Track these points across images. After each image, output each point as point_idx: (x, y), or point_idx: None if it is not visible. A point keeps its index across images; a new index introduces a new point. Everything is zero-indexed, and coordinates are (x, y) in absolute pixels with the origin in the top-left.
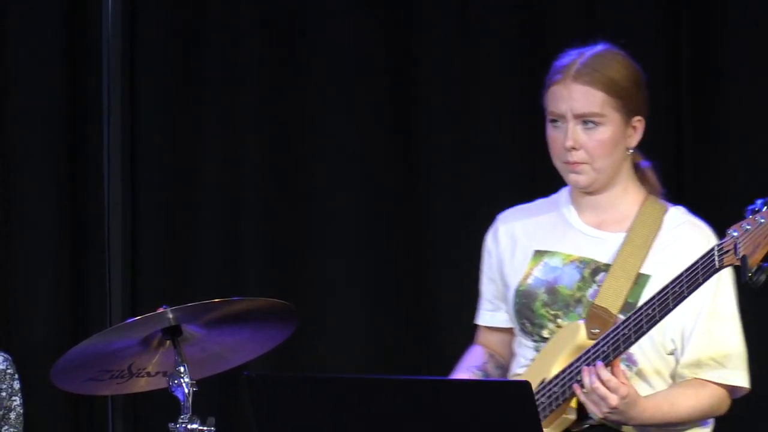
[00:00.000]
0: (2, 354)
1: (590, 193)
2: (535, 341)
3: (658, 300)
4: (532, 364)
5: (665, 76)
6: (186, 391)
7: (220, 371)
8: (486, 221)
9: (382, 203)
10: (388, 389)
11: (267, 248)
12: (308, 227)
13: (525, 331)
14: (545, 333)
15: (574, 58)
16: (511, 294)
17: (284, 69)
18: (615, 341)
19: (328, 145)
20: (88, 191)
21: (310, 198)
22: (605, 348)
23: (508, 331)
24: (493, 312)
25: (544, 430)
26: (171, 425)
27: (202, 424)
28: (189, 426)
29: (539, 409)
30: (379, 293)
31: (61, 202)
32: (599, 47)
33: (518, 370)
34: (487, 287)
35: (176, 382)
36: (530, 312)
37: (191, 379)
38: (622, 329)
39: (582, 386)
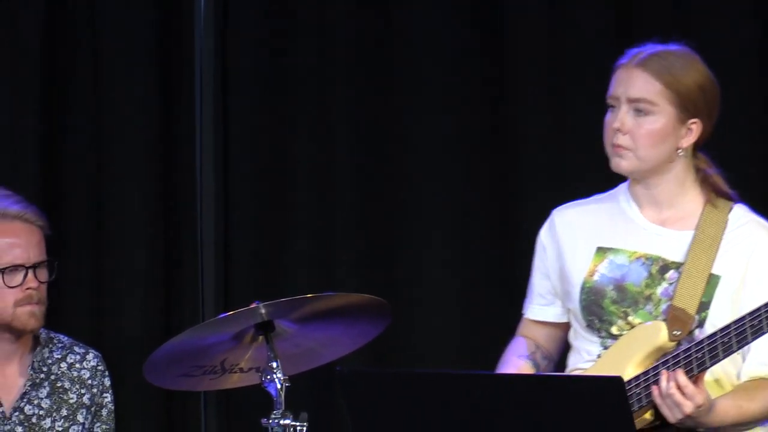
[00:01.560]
0: (93, 351)
1: (646, 188)
2: (602, 337)
3: (750, 320)
4: (601, 359)
5: None
6: (278, 386)
7: (313, 367)
8: None
9: (476, 197)
10: (480, 384)
11: (360, 243)
12: (401, 222)
13: (592, 327)
14: (614, 330)
15: (646, 48)
16: (575, 290)
17: (375, 63)
18: (707, 350)
19: (420, 139)
20: (181, 189)
21: (403, 193)
22: (693, 355)
23: (559, 326)
24: (545, 306)
25: None
26: (264, 421)
27: (295, 419)
28: (282, 422)
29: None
30: (473, 288)
31: (155, 200)
32: (675, 46)
33: (582, 365)
34: (540, 282)
35: (269, 377)
36: (599, 309)
37: (284, 374)
38: (719, 338)
39: (659, 389)
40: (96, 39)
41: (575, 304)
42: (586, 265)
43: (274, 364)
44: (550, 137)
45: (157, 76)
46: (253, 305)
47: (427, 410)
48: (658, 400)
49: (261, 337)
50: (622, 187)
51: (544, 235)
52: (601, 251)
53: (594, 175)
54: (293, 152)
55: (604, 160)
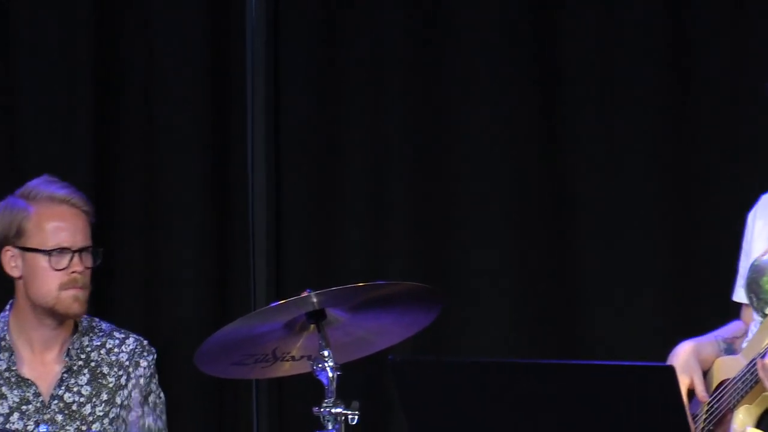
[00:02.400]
0: (133, 336)
1: None
2: (761, 317)
3: None
4: (752, 339)
5: None
6: (330, 375)
7: (364, 355)
8: (629, 203)
9: (528, 188)
10: (531, 373)
11: (412, 232)
12: (453, 211)
13: (753, 307)
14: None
15: None
16: (747, 267)
17: (427, 58)
18: None
19: (473, 129)
20: (232, 178)
21: (454, 183)
22: None
23: None
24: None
25: (745, 405)
26: (315, 409)
27: (347, 408)
28: (333, 410)
29: (744, 384)
30: (524, 278)
31: (206, 190)
32: None
33: (744, 345)
34: (743, 262)
35: (320, 366)
36: (758, 287)
37: (335, 363)
38: None
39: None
40: (148, 29)
41: (744, 281)
42: (765, 244)
43: (326, 353)
44: (600, 130)
45: (208, 66)
46: (305, 294)
47: (479, 399)
48: (761, 374)
49: (312, 326)
50: None
51: (750, 216)
52: None
53: (642, 168)
54: (345, 142)
55: (648, 148)
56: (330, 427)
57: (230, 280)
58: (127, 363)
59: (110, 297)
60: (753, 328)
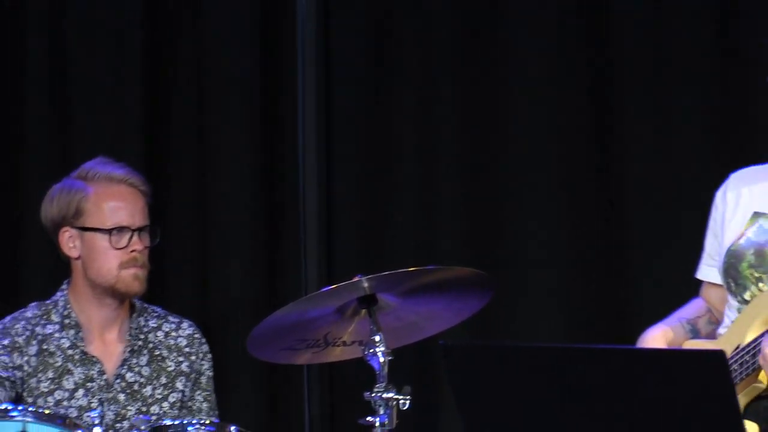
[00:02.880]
0: (187, 321)
1: None
2: (738, 302)
3: None
4: (731, 327)
5: None
6: (381, 360)
7: (416, 340)
8: (679, 193)
9: (581, 174)
10: (583, 358)
11: (464, 216)
12: (506, 195)
13: (731, 291)
14: (747, 295)
15: None
16: (723, 252)
17: (478, 45)
18: None
19: (524, 115)
20: (283, 161)
21: (505, 168)
22: None
23: None
24: (714, 267)
25: None
26: (367, 394)
27: (398, 393)
28: (384, 395)
29: (735, 375)
30: (576, 264)
31: (258, 173)
32: None
33: (721, 331)
34: (711, 242)
35: (372, 351)
36: (736, 272)
37: (387, 348)
38: None
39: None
40: (199, 18)
41: (720, 266)
42: (739, 229)
43: (377, 338)
44: (650, 118)
45: (260, 49)
46: (356, 279)
47: (529, 383)
48: (762, 364)
49: (364, 311)
50: None
51: (718, 196)
52: (755, 216)
53: (690, 154)
54: (397, 125)
55: (699, 136)
56: (381, 413)
57: (282, 266)
58: (187, 349)
59: (162, 280)
60: (729, 313)
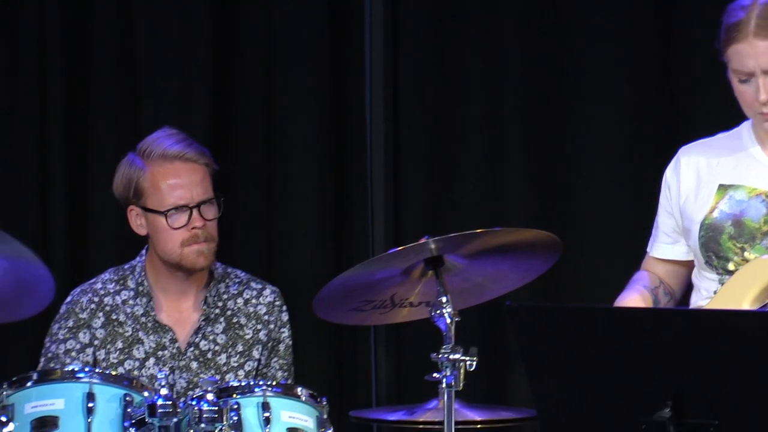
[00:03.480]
0: (270, 287)
1: None
2: (719, 274)
3: None
4: (718, 295)
5: None
6: (448, 321)
7: (482, 301)
8: None
9: (647, 134)
10: (650, 319)
11: (531, 177)
12: (572, 156)
13: (710, 264)
14: (731, 266)
15: (747, 12)
16: (695, 227)
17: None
18: None
19: (592, 73)
20: (350, 124)
21: (573, 129)
22: None
23: (683, 264)
24: (671, 245)
25: None
26: (433, 355)
27: (465, 354)
28: (451, 356)
29: None
30: (642, 227)
31: (324, 135)
32: None
33: (701, 302)
34: (665, 220)
35: (438, 312)
36: (716, 245)
37: (453, 309)
38: None
39: None
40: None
41: (694, 242)
42: (707, 202)
43: (444, 299)
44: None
45: (327, 13)
46: (423, 240)
47: (597, 345)
48: None
49: (430, 272)
50: (746, 126)
51: (669, 174)
52: (723, 188)
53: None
54: (463, 87)
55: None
56: (448, 374)
57: (349, 227)
58: (266, 317)
59: (230, 244)
60: (704, 285)
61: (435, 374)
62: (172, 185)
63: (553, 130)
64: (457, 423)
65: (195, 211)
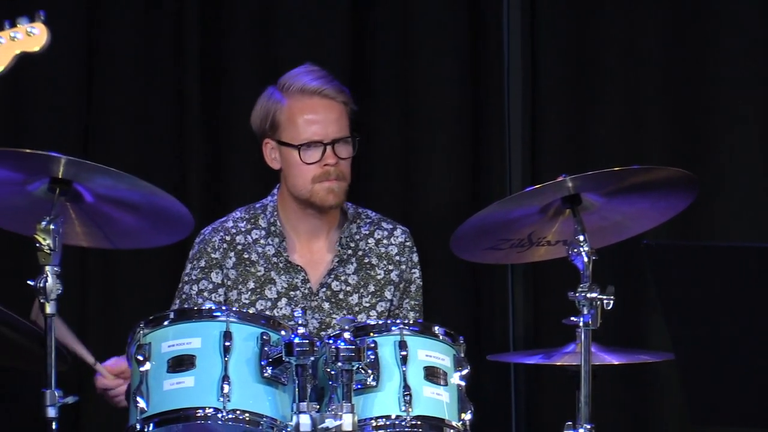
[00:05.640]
0: (400, 227)
1: None
2: None
3: None
4: None
5: None
6: (585, 260)
7: (619, 240)
8: None
9: None
10: None
11: (668, 116)
12: (709, 96)
13: None
14: None
15: None
16: None
17: None
18: None
19: (732, 26)
20: (487, 63)
21: (710, 69)
22: None
23: None
24: None
25: None
26: (570, 294)
27: (602, 293)
28: (588, 295)
29: None
30: None
31: (462, 74)
32: None
33: None
34: None
35: (576, 250)
36: None
37: (591, 247)
38: None
39: None
40: None
41: None
42: None
43: (581, 238)
44: None
45: None
46: (561, 178)
47: (733, 283)
48: None
49: (568, 211)
50: None
51: None
52: None
53: None
54: (602, 26)
55: None
56: (585, 312)
57: (486, 165)
58: (398, 258)
59: (368, 185)
60: None
61: (572, 318)
62: (309, 120)
63: (692, 67)
64: (594, 366)
65: (329, 148)
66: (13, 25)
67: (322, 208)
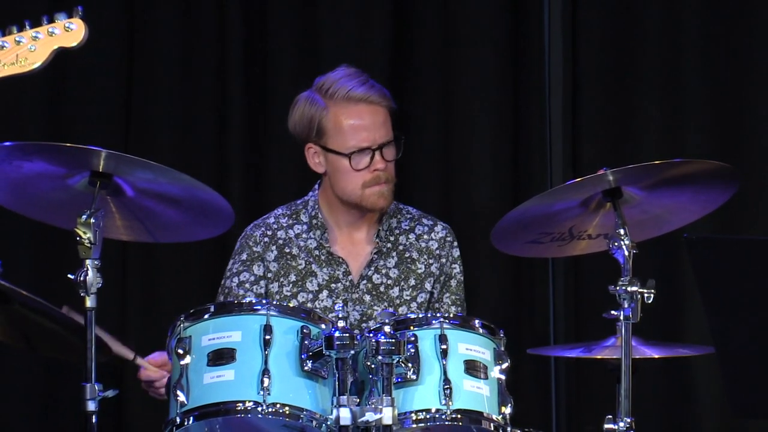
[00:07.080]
0: (441, 223)
1: None
2: None
3: None
4: None
5: None
6: (626, 253)
7: (660, 234)
8: None
9: None
10: None
11: (708, 109)
12: (751, 89)
13: None
14: None
15: None
16: None
17: None
18: None
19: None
20: (529, 54)
21: (752, 61)
22: None
23: None
24: None
25: None
26: (611, 288)
27: (642, 286)
28: (629, 288)
29: None
30: None
31: (503, 67)
32: None
33: None
34: None
35: (616, 244)
36: None
37: (631, 240)
38: None
39: None
40: None
41: None
42: None
43: (622, 231)
44: None
45: None
46: (601, 172)
47: None
48: None
49: (608, 204)
50: None
51: None
52: None
53: None
54: (644, 17)
55: None
56: (625, 306)
57: (527, 159)
58: (438, 252)
59: (409, 180)
60: None
61: (612, 311)
62: (356, 127)
63: (733, 60)
64: (634, 360)
65: (377, 153)
66: (50, 20)
67: (371, 211)
